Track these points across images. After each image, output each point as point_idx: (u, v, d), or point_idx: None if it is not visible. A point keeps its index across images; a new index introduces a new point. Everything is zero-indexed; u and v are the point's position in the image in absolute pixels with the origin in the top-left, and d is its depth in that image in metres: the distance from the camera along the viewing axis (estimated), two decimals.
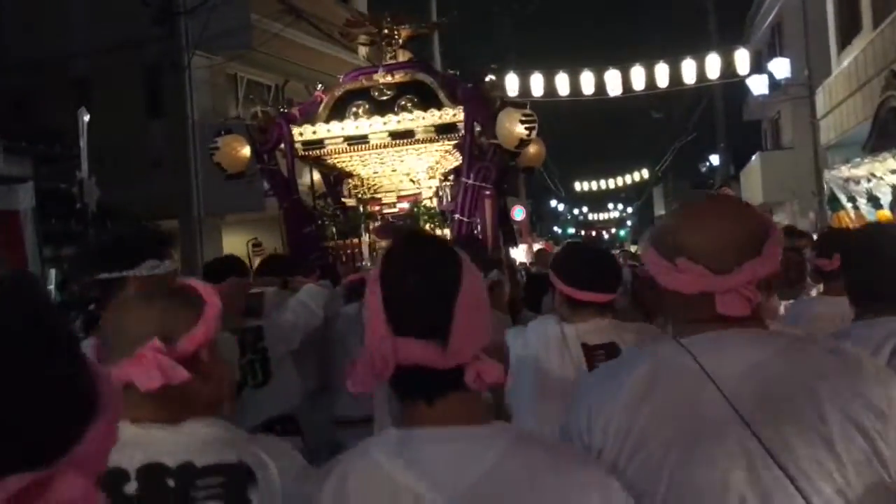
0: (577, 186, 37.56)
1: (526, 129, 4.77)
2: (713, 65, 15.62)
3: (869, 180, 5.98)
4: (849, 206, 6.75)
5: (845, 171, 6.54)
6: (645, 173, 37.48)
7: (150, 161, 12.74)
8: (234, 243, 13.73)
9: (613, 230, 53.23)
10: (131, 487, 1.28)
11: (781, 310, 3.14)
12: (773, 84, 17.47)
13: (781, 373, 1.27)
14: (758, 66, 18.49)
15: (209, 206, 12.58)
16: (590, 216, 54.44)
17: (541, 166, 6.47)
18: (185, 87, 12.27)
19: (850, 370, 1.27)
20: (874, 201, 6.02)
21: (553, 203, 47.20)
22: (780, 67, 16.84)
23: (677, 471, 1.25)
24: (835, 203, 7.02)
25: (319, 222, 5.41)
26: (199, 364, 1.39)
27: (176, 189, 12.42)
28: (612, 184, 37.28)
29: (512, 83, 15.98)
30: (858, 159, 6.36)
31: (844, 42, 14.53)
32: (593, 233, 52.44)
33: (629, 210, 53.93)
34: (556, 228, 47.99)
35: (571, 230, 50.98)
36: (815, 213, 19.67)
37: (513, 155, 5.04)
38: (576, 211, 54.20)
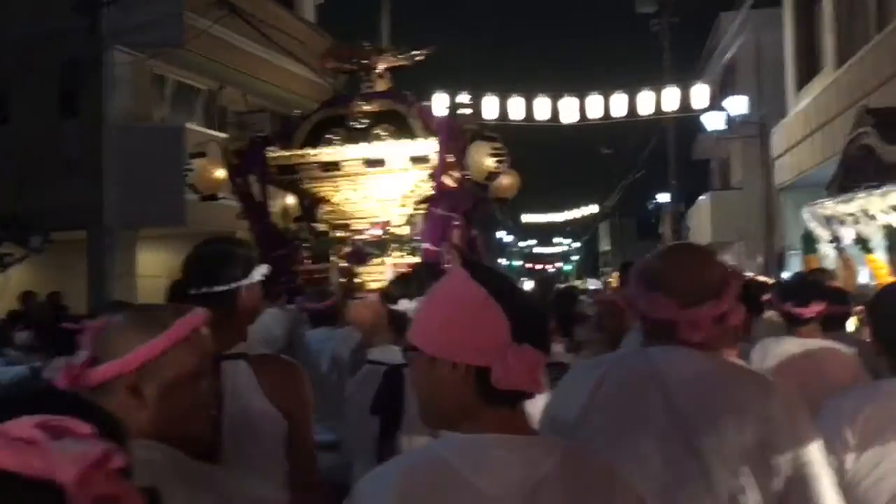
0: (525, 219, 37.17)
1: (496, 162, 4.90)
2: (670, 98, 15.17)
3: (857, 221, 5.33)
4: (829, 247, 6.11)
5: (830, 207, 5.90)
6: (593, 209, 37.34)
7: (61, 165, 11.54)
8: (151, 262, 12.55)
9: (559, 264, 53.11)
10: None
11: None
12: (729, 121, 17.16)
13: (714, 386, 1.64)
14: (711, 104, 18.21)
15: (123, 218, 11.42)
16: (536, 249, 54.30)
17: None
18: (105, 85, 11.10)
19: (762, 390, 1.65)
20: (863, 244, 5.38)
21: (500, 235, 46.78)
22: (737, 105, 16.51)
23: (621, 450, 1.54)
24: (809, 244, 6.36)
25: (292, 246, 5.52)
26: (130, 387, 1.39)
27: (87, 198, 11.22)
28: (559, 217, 37.07)
29: (463, 102, 15.26)
30: (850, 194, 5.71)
31: (803, 81, 14.25)
32: (538, 266, 52.25)
33: (575, 245, 53.95)
34: (502, 260, 47.52)
35: (518, 263, 50.62)
36: (763, 255, 19.44)
37: (483, 187, 5.16)
38: (522, 244, 53.95)
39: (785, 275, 12.72)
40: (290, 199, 6.26)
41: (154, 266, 12.21)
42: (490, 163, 4.93)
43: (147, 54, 11.72)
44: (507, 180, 5.92)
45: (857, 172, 8.72)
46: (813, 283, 3.77)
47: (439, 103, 14.99)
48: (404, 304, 2.67)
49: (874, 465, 1.92)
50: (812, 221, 6.36)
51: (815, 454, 1.62)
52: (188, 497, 1.37)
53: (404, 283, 2.71)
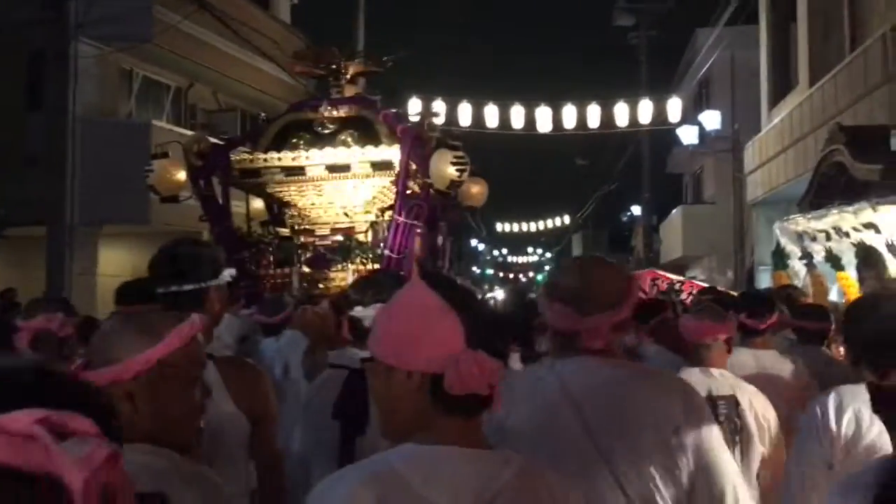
0: (499, 227, 37.09)
1: (457, 170, 4.84)
2: (645, 110, 15.21)
3: (829, 237, 5.26)
4: (800, 263, 6.05)
5: (802, 223, 5.83)
6: (566, 219, 37.45)
7: (23, 159, 11.20)
8: (113, 261, 12.22)
9: (531, 274, 53.16)
10: None
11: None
12: (702, 136, 17.24)
13: (614, 390, 1.74)
14: (684, 119, 18.30)
15: (86, 215, 11.08)
16: (509, 258, 54.29)
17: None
18: (70, 78, 10.79)
19: (664, 391, 1.77)
20: (834, 261, 5.31)
21: (474, 243, 46.71)
22: (711, 119, 16.59)
23: (537, 455, 1.46)
24: (779, 260, 6.29)
25: (254, 250, 5.47)
26: (124, 394, 1.39)
27: (49, 193, 10.87)
28: (533, 227, 37.08)
29: (438, 109, 15.14)
30: (823, 210, 5.64)
31: (777, 98, 14.34)
32: (511, 275, 52.20)
33: (548, 255, 54.04)
34: (475, 269, 47.42)
35: (490, 271, 50.56)
36: (733, 270, 19.54)
37: (446, 195, 5.13)
38: (496, 252, 53.90)
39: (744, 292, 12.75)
40: (258, 203, 6.18)
41: (116, 265, 11.89)
42: (452, 171, 4.86)
43: (114, 48, 11.43)
44: (475, 188, 5.88)
45: (828, 189, 8.74)
46: (767, 297, 3.91)
47: (413, 109, 14.90)
48: (359, 312, 2.64)
49: (865, 459, 2.01)
50: (783, 237, 6.30)
51: (716, 444, 1.75)
52: (194, 500, 1.38)
53: (360, 290, 2.68)
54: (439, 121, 15.23)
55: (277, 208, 6.01)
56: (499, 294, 19.87)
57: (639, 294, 1.97)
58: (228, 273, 2.33)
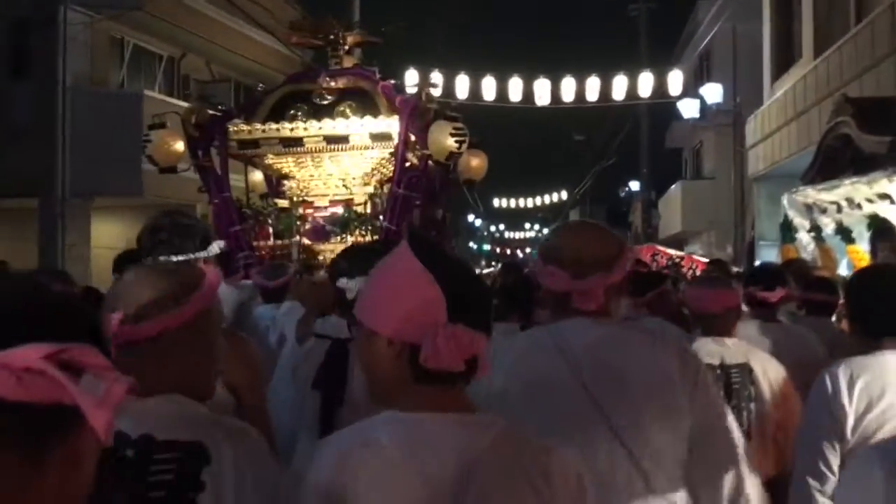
0: (496, 203, 36.86)
1: (456, 142, 4.78)
2: (645, 83, 14.96)
3: (839, 209, 5.10)
4: (808, 236, 5.90)
5: (812, 194, 5.67)
6: (563, 195, 37.25)
7: (10, 130, 10.96)
8: (106, 233, 12.02)
9: (528, 249, 53.02)
10: None
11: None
12: (703, 110, 17.00)
13: (608, 347, 1.77)
14: (685, 92, 18.05)
15: (77, 186, 10.90)
16: (506, 234, 54.10)
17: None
18: (59, 46, 10.52)
19: (658, 347, 1.81)
20: (844, 234, 5.15)
21: (471, 218, 46.49)
22: (712, 92, 16.34)
23: (537, 414, 1.64)
24: (787, 233, 6.13)
25: (254, 221, 5.46)
26: (163, 347, 1.38)
27: (39, 164, 10.67)
28: (530, 203, 36.87)
29: (436, 81, 14.88)
30: (835, 181, 5.47)
31: (780, 71, 14.11)
32: (508, 251, 52.06)
33: (545, 231, 53.78)
34: (472, 244, 47.23)
35: (487, 247, 50.40)
36: (732, 245, 19.41)
37: (446, 166, 5.09)
38: (493, 228, 53.69)
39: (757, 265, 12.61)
40: (258, 175, 6.13)
41: (109, 237, 11.70)
42: (450, 142, 4.80)
43: (104, 15, 11.15)
44: (475, 161, 5.77)
45: (833, 162, 8.57)
46: (777, 270, 3.97)
47: (410, 81, 14.65)
48: (343, 283, 2.64)
49: (876, 430, 2.06)
50: (791, 210, 6.14)
51: (715, 400, 1.80)
52: (234, 452, 1.36)
53: (346, 261, 2.69)
54: (437, 92, 15.07)
55: (276, 180, 5.97)
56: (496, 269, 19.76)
57: (632, 259, 2.00)
58: (217, 245, 2.33)
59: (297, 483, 1.26)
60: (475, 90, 15.06)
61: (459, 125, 4.88)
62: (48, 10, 10.53)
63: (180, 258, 2.19)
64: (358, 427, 1.29)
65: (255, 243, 5.48)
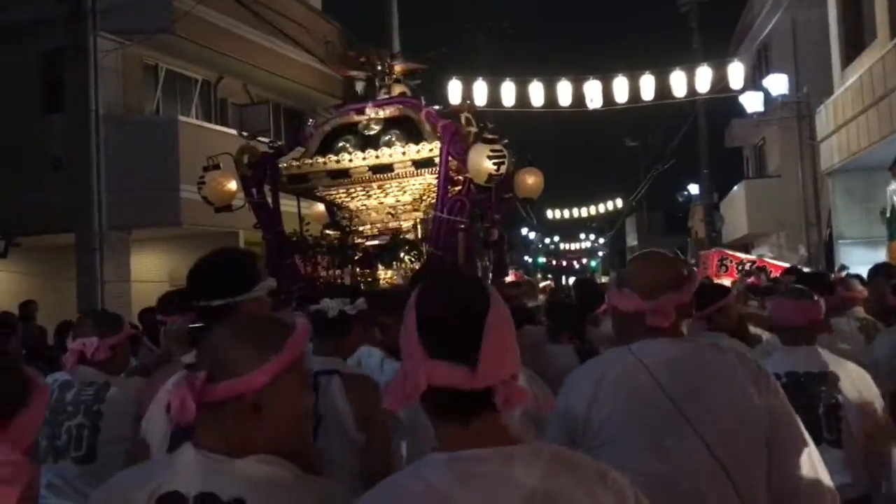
0: (550, 215, 35.99)
1: (494, 163, 4.81)
2: (703, 78, 14.01)
3: None
4: None
5: None
6: (619, 202, 36.28)
7: (45, 163, 10.71)
8: (145, 266, 11.67)
9: (584, 260, 51.86)
10: None
11: None
12: (767, 101, 15.94)
13: (688, 363, 1.97)
14: (746, 86, 17.03)
15: (114, 219, 10.55)
16: (561, 245, 53.07)
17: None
18: (90, 75, 10.23)
19: (729, 363, 1.97)
20: None
21: (524, 231, 45.63)
22: (777, 83, 15.28)
23: (630, 426, 1.90)
24: (894, 230, 5.27)
25: (310, 252, 5.57)
26: (251, 405, 1.39)
27: (75, 198, 10.36)
28: (584, 213, 36.04)
29: (481, 91, 14.26)
30: None
31: (851, 56, 13.06)
32: (563, 263, 50.98)
33: (601, 241, 52.67)
34: (526, 258, 46.36)
35: (542, 259, 49.47)
36: (805, 245, 18.21)
37: (486, 189, 5.13)
38: (547, 240, 52.73)
39: (842, 266, 11.58)
40: (320, 206, 6.31)
41: (149, 271, 11.36)
42: (489, 165, 4.82)
43: (135, 42, 10.84)
44: (531, 179, 5.80)
45: None
46: (823, 275, 4.20)
47: (453, 91, 14.06)
48: (325, 304, 2.72)
49: None
50: None
51: (787, 408, 1.94)
52: None
53: (328, 286, 2.93)
54: (482, 101, 14.42)
55: (333, 211, 6.15)
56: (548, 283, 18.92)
57: (699, 280, 2.18)
58: (264, 285, 2.32)
59: None
60: (522, 97, 14.37)
61: (498, 147, 4.88)
62: (78, 38, 10.25)
63: (218, 302, 2.19)
64: (408, 474, 1.30)
65: (311, 274, 5.57)
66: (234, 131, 12.62)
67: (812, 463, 1.87)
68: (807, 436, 1.90)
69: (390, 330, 3.18)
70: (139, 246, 11.49)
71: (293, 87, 14.13)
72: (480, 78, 14.34)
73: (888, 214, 5.45)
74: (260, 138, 6.17)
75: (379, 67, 5.80)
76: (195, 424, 1.38)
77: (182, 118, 11.32)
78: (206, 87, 12.93)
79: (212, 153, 5.59)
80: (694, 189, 27.97)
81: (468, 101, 12.84)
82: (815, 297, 3.01)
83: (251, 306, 2.18)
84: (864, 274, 7.34)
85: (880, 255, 13.38)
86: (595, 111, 14.44)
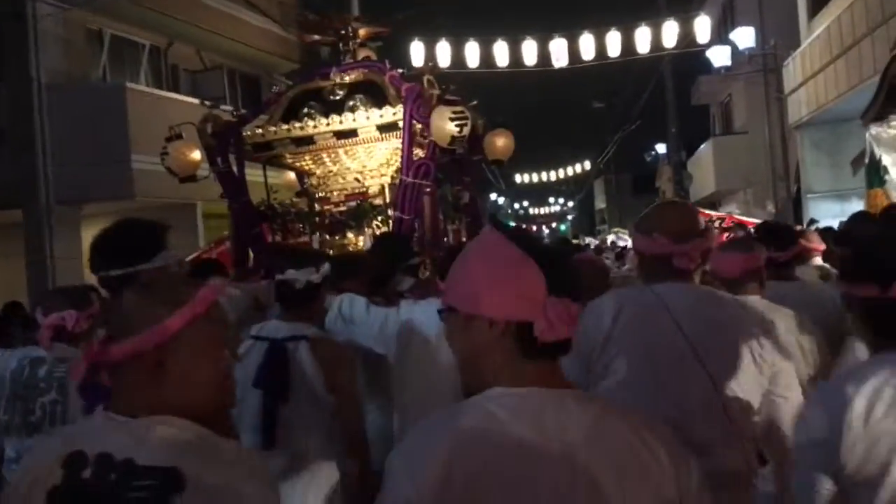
0: (518, 179, 35.74)
1: (457, 125, 4.76)
2: (670, 33, 13.74)
3: None
4: None
5: None
6: (587, 165, 36.12)
7: None
8: None
9: (554, 224, 51.84)
10: (87, 473, 1.33)
11: None
12: (735, 56, 15.73)
13: (708, 309, 2.17)
14: (712, 41, 16.79)
15: (62, 194, 10.06)
16: (531, 210, 52.98)
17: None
18: (30, 42, 9.65)
19: (743, 311, 2.24)
20: None
21: (493, 196, 45.41)
22: (744, 37, 15.06)
23: (640, 361, 2.09)
24: (875, 176, 5.08)
25: (279, 220, 5.56)
26: (154, 363, 1.39)
27: (20, 171, 9.84)
28: (552, 176, 35.87)
29: (444, 51, 13.85)
30: None
31: (818, 6, 12.85)
32: (534, 227, 50.97)
33: (570, 204, 52.67)
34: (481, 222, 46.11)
35: (512, 224, 49.36)
36: (773, 201, 18.18)
37: (451, 151, 5.09)
38: (516, 205, 52.59)
39: (812, 220, 11.50)
40: (291, 174, 6.27)
41: None
42: (451, 127, 4.74)
43: (77, 6, 10.25)
44: (501, 140, 5.70)
45: None
46: (787, 227, 4.15)
47: (416, 53, 13.64)
48: (291, 274, 2.78)
49: None
50: (879, 147, 5.08)
51: (786, 353, 2.23)
52: (222, 477, 1.34)
53: (292, 253, 2.96)
54: (445, 63, 14.02)
55: (302, 178, 6.11)
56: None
57: (715, 233, 2.31)
58: (166, 255, 2.32)
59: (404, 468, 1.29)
60: (487, 57, 13.99)
61: (459, 109, 4.81)
62: (15, 3, 9.65)
63: (116, 272, 2.21)
64: (467, 405, 1.33)
65: (278, 243, 5.55)
66: (188, 98, 12.16)
67: (796, 400, 2.16)
68: (794, 377, 2.20)
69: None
70: (91, 221, 10.95)
71: (248, 51, 13.60)
72: (443, 38, 13.93)
73: (867, 161, 5.27)
74: (223, 106, 6.03)
75: (342, 32, 5.74)
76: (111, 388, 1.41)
77: (131, 85, 10.78)
78: (156, 53, 12.35)
79: (164, 121, 5.40)
80: (661, 149, 27.83)
81: (430, 64, 12.52)
82: (752, 249, 3.13)
83: (155, 276, 2.16)
84: (836, 226, 7.18)
85: (850, 208, 13.36)
86: (562, 71, 14.15)
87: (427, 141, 5.12)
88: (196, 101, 6.38)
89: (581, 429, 1.26)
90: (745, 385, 2.05)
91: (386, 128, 5.19)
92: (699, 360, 2.03)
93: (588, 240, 22.87)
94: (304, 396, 2.74)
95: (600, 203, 48.25)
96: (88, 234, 10.86)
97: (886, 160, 4.96)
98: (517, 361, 1.31)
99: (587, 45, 13.74)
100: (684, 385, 2.02)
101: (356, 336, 3.16)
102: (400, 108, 5.11)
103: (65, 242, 10.09)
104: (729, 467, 2.03)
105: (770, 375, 2.10)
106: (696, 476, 1.34)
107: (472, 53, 14.00)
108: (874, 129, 5.15)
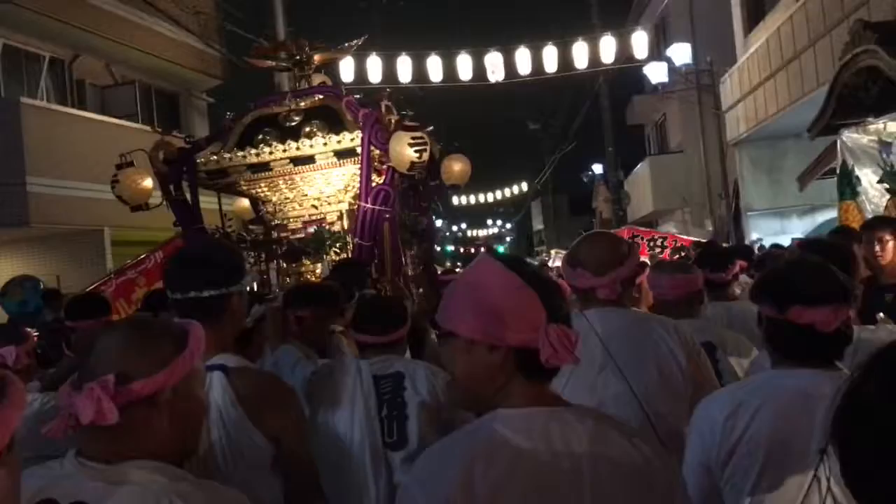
0: (456, 201, 35.33)
1: (416, 151, 4.86)
2: (607, 48, 13.46)
3: None
4: (877, 187, 4.41)
5: (874, 130, 4.16)
6: (524, 186, 36.00)
7: None
8: None
9: (493, 246, 51.64)
10: None
11: None
12: (671, 72, 15.55)
13: (633, 330, 2.38)
14: (649, 57, 16.62)
15: None
16: (469, 232, 52.71)
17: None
18: None
19: (666, 331, 2.42)
20: None
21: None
22: (680, 53, 14.90)
23: (572, 379, 2.05)
24: (845, 187, 4.64)
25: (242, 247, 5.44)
26: (158, 405, 1.38)
27: None
28: (490, 198, 35.68)
29: (375, 66, 13.25)
30: None
31: (754, 20, 12.73)
32: (472, 250, 50.62)
33: (508, 226, 52.60)
34: (436, 247, 45.67)
35: (450, 248, 48.97)
36: (711, 219, 18.06)
37: (410, 177, 5.18)
38: (454, 228, 52.23)
39: (758, 238, 11.22)
40: (245, 202, 6.20)
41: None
42: (410, 153, 4.84)
43: None
44: (457, 165, 5.72)
45: (854, 102, 7.13)
46: (724, 249, 4.41)
47: (345, 71, 13.01)
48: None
49: None
50: (850, 157, 4.63)
51: (705, 365, 2.47)
52: None
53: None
54: (376, 78, 13.41)
55: (257, 206, 6.05)
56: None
57: (637, 260, 2.48)
58: (250, 279, 2.31)
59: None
60: (420, 71, 13.44)
61: (419, 135, 4.89)
62: None
63: (211, 292, 2.11)
64: (477, 427, 1.38)
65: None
66: (95, 115, 11.21)
67: None
68: (718, 388, 2.34)
69: (306, 322, 3.18)
70: None
71: (165, 65, 12.71)
72: (374, 53, 13.32)
73: (838, 171, 4.83)
74: (175, 133, 5.89)
75: (297, 57, 5.76)
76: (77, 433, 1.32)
77: (27, 100, 9.76)
78: (59, 67, 11.33)
79: (68, 140, 4.86)
80: (598, 169, 27.78)
81: (388, 90, 11.93)
82: (691, 271, 3.25)
83: (237, 300, 2.19)
84: (785, 244, 6.68)
85: (790, 225, 13.21)
86: (497, 93, 13.76)
87: (385, 167, 5.17)
88: (106, 118, 6.17)
89: (583, 440, 1.34)
90: (668, 399, 2.28)
91: (343, 153, 5.20)
92: (622, 374, 2.25)
93: (529, 261, 22.53)
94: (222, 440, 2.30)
95: (538, 224, 48.31)
96: None
97: (859, 171, 4.54)
98: (518, 383, 1.38)
99: (523, 60, 13.35)
100: (609, 389, 2.26)
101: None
102: (357, 134, 5.13)
103: None
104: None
105: (694, 388, 2.31)
106: (677, 471, 1.52)
107: (405, 68, 13.45)
108: (845, 135, 4.73)
